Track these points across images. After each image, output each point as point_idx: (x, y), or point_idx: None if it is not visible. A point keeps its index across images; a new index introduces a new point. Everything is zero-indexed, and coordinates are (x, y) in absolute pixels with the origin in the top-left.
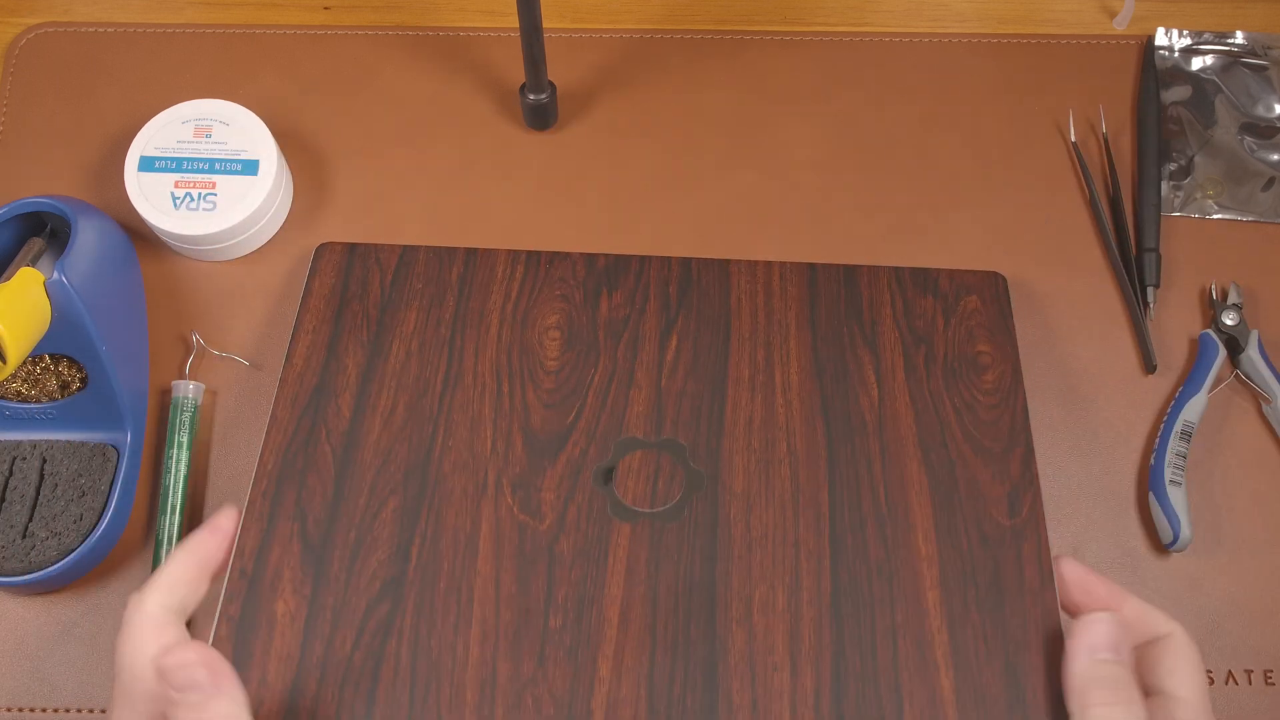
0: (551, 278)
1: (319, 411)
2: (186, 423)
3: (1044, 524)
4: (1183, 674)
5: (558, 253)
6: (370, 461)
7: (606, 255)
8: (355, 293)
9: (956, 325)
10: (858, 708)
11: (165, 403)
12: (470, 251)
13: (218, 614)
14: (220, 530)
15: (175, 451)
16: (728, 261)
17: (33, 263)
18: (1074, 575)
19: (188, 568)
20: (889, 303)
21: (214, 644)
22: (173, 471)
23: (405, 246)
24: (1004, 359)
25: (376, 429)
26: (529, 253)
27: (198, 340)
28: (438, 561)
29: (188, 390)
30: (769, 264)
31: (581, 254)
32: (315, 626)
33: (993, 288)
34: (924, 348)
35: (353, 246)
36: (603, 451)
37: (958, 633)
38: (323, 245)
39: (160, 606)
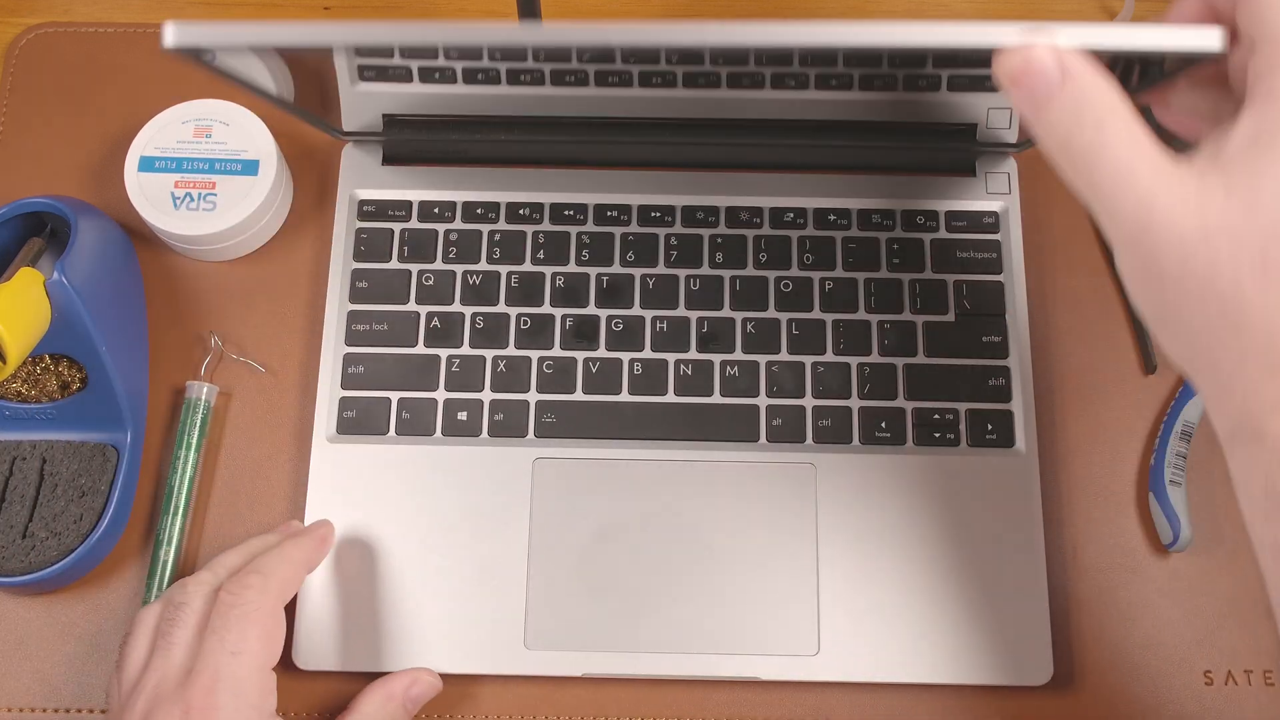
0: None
1: None
2: (197, 424)
3: None
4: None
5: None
6: None
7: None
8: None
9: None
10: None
11: (175, 403)
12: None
13: None
14: (326, 543)
15: (184, 453)
16: None
17: (33, 263)
18: None
19: (297, 571)
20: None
21: None
22: (179, 473)
23: None
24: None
25: None
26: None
27: (216, 342)
28: None
29: (201, 392)
30: None
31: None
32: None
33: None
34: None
35: None
36: None
37: None
38: None
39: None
